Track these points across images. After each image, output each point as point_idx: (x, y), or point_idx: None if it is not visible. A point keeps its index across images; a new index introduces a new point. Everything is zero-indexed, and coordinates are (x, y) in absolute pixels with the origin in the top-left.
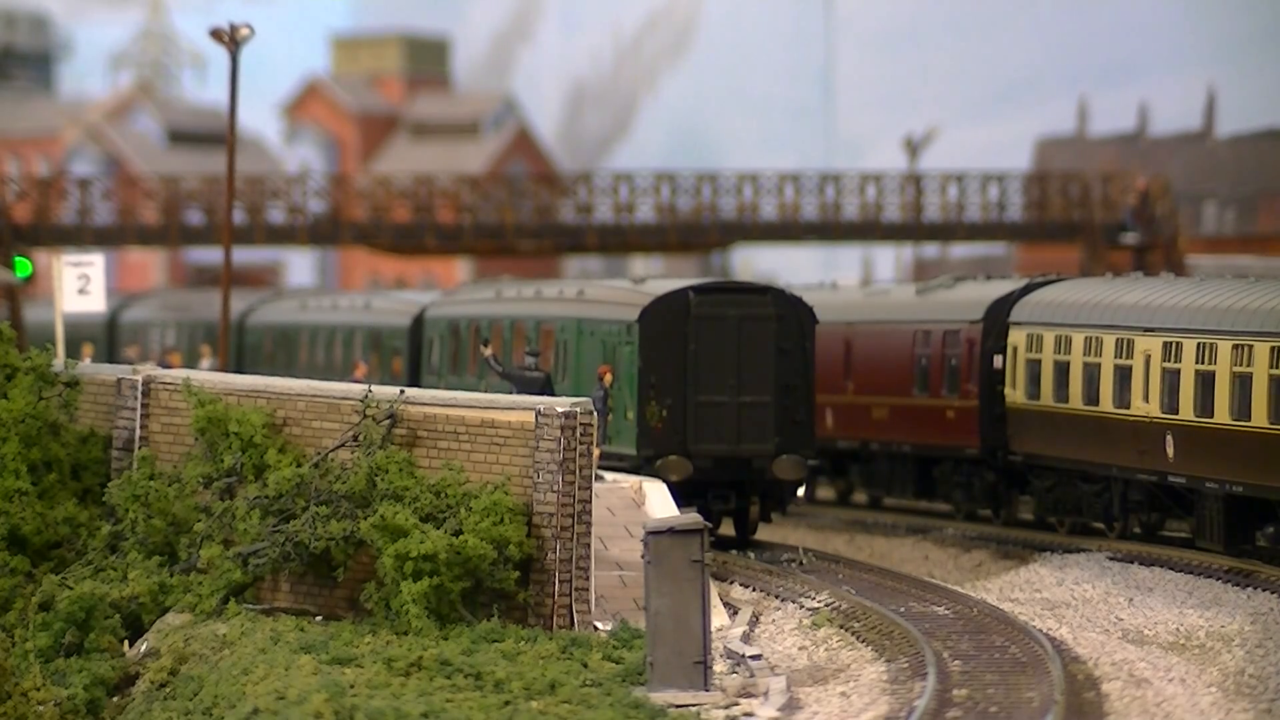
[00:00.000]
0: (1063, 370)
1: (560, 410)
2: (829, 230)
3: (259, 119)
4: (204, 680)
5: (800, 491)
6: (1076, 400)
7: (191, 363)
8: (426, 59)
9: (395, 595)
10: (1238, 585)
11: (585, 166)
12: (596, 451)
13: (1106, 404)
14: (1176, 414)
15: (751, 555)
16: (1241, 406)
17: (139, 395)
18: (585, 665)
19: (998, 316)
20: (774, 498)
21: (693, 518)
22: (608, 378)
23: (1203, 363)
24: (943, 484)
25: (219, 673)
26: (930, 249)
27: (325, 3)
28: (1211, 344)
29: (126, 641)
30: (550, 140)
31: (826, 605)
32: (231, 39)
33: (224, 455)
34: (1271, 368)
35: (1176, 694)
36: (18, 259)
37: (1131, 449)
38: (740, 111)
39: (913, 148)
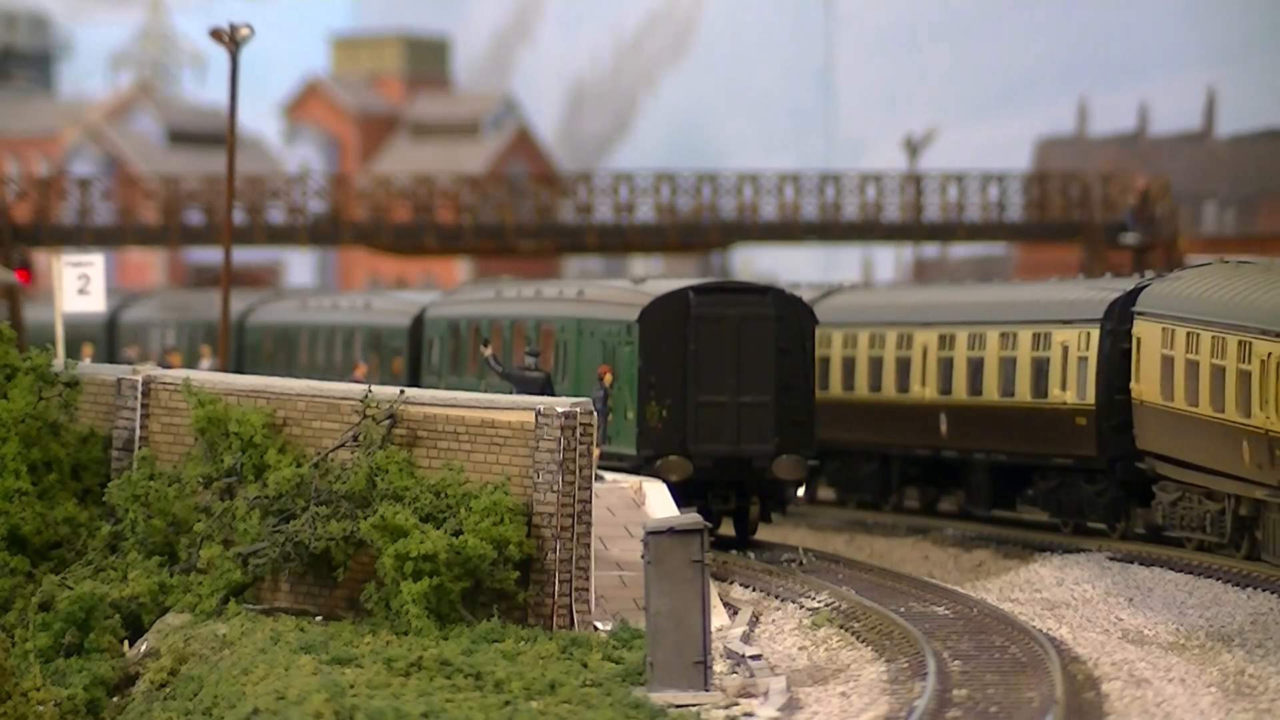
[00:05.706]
0: (850, 364)
1: (560, 410)
2: (829, 230)
3: (259, 119)
4: (204, 680)
5: (800, 491)
6: (862, 389)
7: (191, 363)
8: (426, 59)
9: (395, 595)
10: (1238, 585)
11: (585, 166)
12: (596, 451)
13: (889, 391)
14: (950, 395)
15: (751, 555)
16: (1006, 385)
17: (139, 395)
18: (585, 665)
19: None
20: (774, 498)
21: (693, 518)
22: (608, 378)
23: (973, 350)
24: None
25: (219, 673)
26: (930, 249)
27: (325, 3)
28: (981, 333)
29: (126, 641)
30: (550, 140)
31: (826, 605)
32: (231, 39)
33: (224, 455)
34: (1032, 351)
35: (1176, 694)
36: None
37: (910, 429)
38: (740, 111)
39: (913, 148)
